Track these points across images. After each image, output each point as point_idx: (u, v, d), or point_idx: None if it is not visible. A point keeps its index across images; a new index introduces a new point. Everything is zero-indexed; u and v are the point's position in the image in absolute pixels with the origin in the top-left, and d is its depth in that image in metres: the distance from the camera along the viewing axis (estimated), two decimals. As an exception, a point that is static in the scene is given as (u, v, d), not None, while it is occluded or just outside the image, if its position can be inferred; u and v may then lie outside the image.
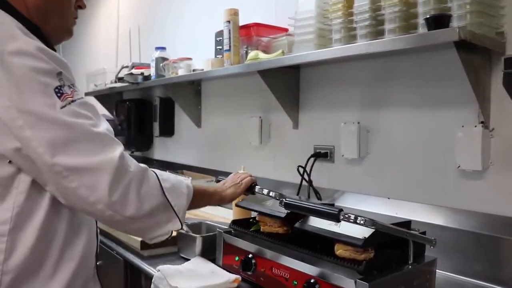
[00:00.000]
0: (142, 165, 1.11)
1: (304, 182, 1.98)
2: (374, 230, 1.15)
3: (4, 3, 1.04)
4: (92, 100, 3.95)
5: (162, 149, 3.31)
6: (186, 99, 2.79)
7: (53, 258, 1.06)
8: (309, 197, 1.93)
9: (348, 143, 1.84)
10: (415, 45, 1.34)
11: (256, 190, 1.40)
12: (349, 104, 1.88)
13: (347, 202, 1.87)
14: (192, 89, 2.79)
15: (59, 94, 0.96)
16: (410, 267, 1.22)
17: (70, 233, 1.09)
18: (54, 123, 0.95)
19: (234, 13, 2.02)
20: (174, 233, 1.71)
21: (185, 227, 1.71)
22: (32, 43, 0.97)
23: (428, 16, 1.31)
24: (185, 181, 1.21)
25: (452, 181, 1.54)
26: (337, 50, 1.61)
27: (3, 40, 0.95)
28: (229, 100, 2.60)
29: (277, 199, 1.32)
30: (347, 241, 1.19)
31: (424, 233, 1.31)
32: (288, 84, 2.07)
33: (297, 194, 1.97)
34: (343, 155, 1.87)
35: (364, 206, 1.80)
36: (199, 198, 1.25)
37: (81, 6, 1.21)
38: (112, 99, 3.50)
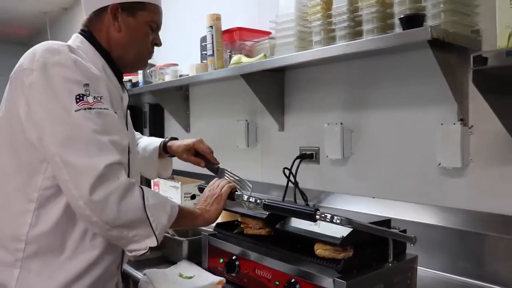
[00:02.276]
0: (132, 180, 1.16)
1: (290, 184, 1.99)
2: (352, 229, 1.16)
3: (86, 31, 1.30)
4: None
5: (153, 155, 3.31)
6: (175, 104, 2.81)
7: (74, 242, 1.17)
8: (295, 199, 1.94)
9: (332, 144, 1.85)
10: (390, 45, 1.36)
11: (236, 197, 1.40)
12: (332, 105, 1.90)
13: (332, 203, 1.89)
14: (180, 94, 2.81)
15: (78, 100, 1.10)
16: (390, 265, 1.23)
17: None
18: (63, 121, 1.09)
19: (217, 18, 2.04)
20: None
21: (171, 231, 1.72)
22: (71, 57, 1.14)
23: (402, 16, 1.33)
24: (171, 202, 1.24)
25: (433, 178, 1.56)
26: (316, 52, 1.62)
27: (51, 53, 1.13)
28: (216, 105, 2.61)
29: (256, 204, 1.33)
30: (326, 240, 1.20)
31: (404, 231, 1.33)
32: (272, 87, 2.09)
33: (284, 196, 1.98)
34: (327, 156, 1.88)
35: (349, 206, 1.81)
36: (183, 219, 1.28)
37: (157, 44, 1.38)
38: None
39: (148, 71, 2.65)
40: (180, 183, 2.48)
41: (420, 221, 1.57)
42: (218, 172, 1.55)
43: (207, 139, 2.67)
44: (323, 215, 1.12)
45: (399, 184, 1.67)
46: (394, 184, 1.68)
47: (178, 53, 2.79)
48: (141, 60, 1.38)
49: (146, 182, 2.99)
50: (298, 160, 1.98)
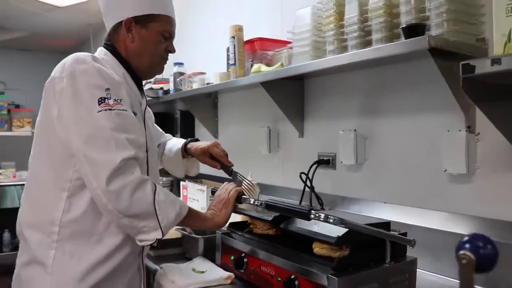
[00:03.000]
0: (146, 176, 1.30)
1: (308, 188, 2.05)
2: (347, 229, 1.22)
3: (108, 44, 1.46)
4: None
5: (184, 159, 3.45)
6: (204, 111, 2.93)
7: (101, 228, 1.31)
8: (310, 202, 1.99)
9: (346, 150, 1.90)
10: (391, 54, 1.40)
11: (242, 200, 1.49)
12: (346, 112, 1.95)
13: (346, 207, 1.93)
14: (209, 102, 2.93)
15: (100, 102, 1.25)
16: (386, 265, 1.28)
17: None
18: (86, 121, 1.25)
19: (239, 29, 2.14)
20: (179, 235, 1.84)
21: (188, 229, 1.83)
22: (95, 66, 1.29)
23: (403, 26, 1.38)
24: (182, 202, 1.37)
25: (440, 184, 1.58)
26: (325, 61, 1.70)
27: (78, 63, 1.29)
28: (241, 112, 2.71)
29: (259, 206, 1.41)
30: (322, 239, 1.26)
31: (404, 234, 1.37)
32: (291, 95, 2.16)
33: (300, 200, 2.04)
34: (342, 162, 1.94)
35: (362, 210, 1.86)
36: (191, 219, 1.39)
37: (171, 51, 1.53)
38: (138, 113, 3.69)
39: (178, 79, 2.79)
40: (206, 186, 2.58)
41: (427, 226, 1.59)
42: (232, 174, 1.64)
43: (233, 145, 2.80)
44: (317, 215, 1.19)
45: (408, 189, 1.70)
46: (404, 190, 1.71)
47: (206, 62, 2.92)
48: (156, 67, 1.51)
49: (176, 185, 3.13)
50: (315, 166, 2.04)
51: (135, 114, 1.37)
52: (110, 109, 1.26)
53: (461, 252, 0.62)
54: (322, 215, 1.18)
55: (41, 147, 1.35)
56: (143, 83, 1.59)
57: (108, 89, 1.28)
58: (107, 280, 1.31)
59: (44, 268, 1.28)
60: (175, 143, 1.80)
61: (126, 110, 1.30)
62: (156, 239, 1.27)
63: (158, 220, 1.26)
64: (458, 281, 1.44)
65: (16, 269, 1.37)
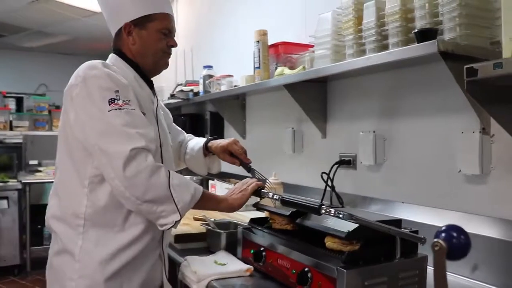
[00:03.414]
0: (159, 163, 1.39)
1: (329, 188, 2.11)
2: (358, 225, 1.28)
3: (117, 49, 1.57)
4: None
5: (214, 159, 3.56)
6: (232, 112, 3.03)
7: (122, 219, 1.43)
8: (331, 202, 2.05)
9: (366, 151, 1.96)
10: (404, 57, 1.46)
11: (262, 194, 1.57)
12: (366, 114, 2.01)
13: (366, 207, 1.98)
14: (237, 103, 3.03)
15: (110, 103, 1.37)
16: (396, 261, 1.33)
17: None
18: (99, 119, 1.36)
19: (263, 33, 2.23)
20: (204, 230, 1.93)
21: (212, 224, 1.92)
22: (105, 71, 1.40)
23: (415, 31, 1.43)
24: (196, 185, 1.46)
25: (455, 185, 1.61)
26: (343, 64, 1.77)
27: (89, 69, 1.42)
28: (268, 113, 2.80)
29: (277, 200, 1.49)
30: (334, 234, 1.33)
31: (416, 232, 1.41)
32: (314, 97, 2.23)
33: (322, 199, 2.10)
34: (361, 162, 1.99)
35: (380, 210, 1.90)
36: (206, 201, 1.49)
37: (173, 45, 1.60)
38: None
39: (207, 81, 2.90)
40: (233, 185, 2.68)
41: (442, 225, 1.62)
42: (250, 171, 1.72)
43: (259, 145, 2.89)
44: (327, 210, 1.26)
45: (425, 189, 1.74)
46: (421, 190, 1.75)
47: (235, 65, 3.02)
48: (160, 62, 1.59)
49: (205, 184, 3.24)
50: (336, 166, 2.10)
51: (144, 114, 1.47)
52: (119, 108, 1.37)
53: (435, 240, 0.68)
54: (332, 210, 1.25)
55: (63, 149, 1.48)
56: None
57: (117, 91, 1.39)
58: (130, 265, 1.43)
59: (72, 257, 1.42)
60: (196, 141, 1.90)
61: (134, 109, 1.41)
62: (176, 221, 1.37)
63: (175, 203, 1.36)
64: (466, 278, 1.49)
65: (49, 258, 1.51)
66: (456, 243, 0.67)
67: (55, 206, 1.49)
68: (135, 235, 1.44)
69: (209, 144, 1.83)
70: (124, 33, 1.54)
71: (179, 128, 1.98)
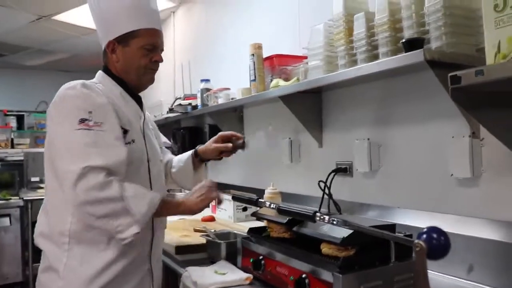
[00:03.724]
0: (111, 178, 1.36)
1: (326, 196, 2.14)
2: (352, 230, 1.32)
3: (105, 67, 1.61)
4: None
5: (214, 171, 3.60)
6: (231, 125, 3.07)
7: (106, 236, 1.43)
8: (329, 209, 2.09)
9: (361, 158, 1.99)
10: (392, 66, 1.50)
11: (259, 204, 1.60)
12: (360, 122, 2.05)
13: (363, 213, 2.02)
14: (235, 116, 3.07)
15: (80, 122, 1.38)
16: (391, 265, 1.36)
17: None
18: (66, 137, 1.39)
19: (258, 47, 2.28)
20: (204, 241, 1.96)
21: (212, 234, 1.96)
22: (82, 92, 1.43)
23: (403, 40, 1.47)
24: (152, 193, 1.44)
25: (448, 189, 1.65)
26: (336, 75, 1.82)
27: (68, 89, 1.45)
28: (265, 124, 2.84)
29: (273, 209, 1.52)
30: (329, 240, 1.37)
31: (410, 236, 1.44)
32: (310, 108, 2.27)
33: (320, 207, 2.13)
34: (357, 169, 2.03)
35: (377, 216, 1.93)
36: (166, 208, 1.46)
37: (158, 60, 1.61)
38: (169, 127, 3.88)
39: (204, 95, 2.95)
40: (231, 197, 2.71)
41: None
42: (244, 145, 1.79)
43: (258, 156, 2.94)
44: (321, 217, 1.29)
45: (419, 194, 1.77)
46: (415, 195, 1.79)
47: (232, 78, 3.07)
48: (144, 78, 1.60)
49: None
50: (332, 174, 2.14)
51: (127, 130, 1.49)
52: (88, 129, 1.38)
53: (416, 241, 0.72)
54: (326, 217, 1.28)
55: (48, 168, 1.49)
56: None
57: (91, 112, 1.40)
58: (115, 282, 1.45)
59: (57, 274, 1.43)
60: (183, 154, 1.90)
61: (105, 131, 1.41)
62: (136, 233, 1.35)
63: (130, 216, 1.34)
64: (463, 279, 1.52)
65: (38, 274, 1.53)
66: (436, 244, 0.70)
67: (43, 223, 1.51)
68: (120, 252, 1.45)
69: (199, 149, 1.84)
70: (107, 51, 1.57)
71: (166, 149, 1.99)
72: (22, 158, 5.60)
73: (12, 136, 5.81)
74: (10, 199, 4.85)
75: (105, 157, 1.37)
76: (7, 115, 6.68)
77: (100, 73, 1.61)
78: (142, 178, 1.53)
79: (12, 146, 5.74)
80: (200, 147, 1.86)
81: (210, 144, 1.82)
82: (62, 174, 1.37)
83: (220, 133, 1.83)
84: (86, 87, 1.46)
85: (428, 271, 1.48)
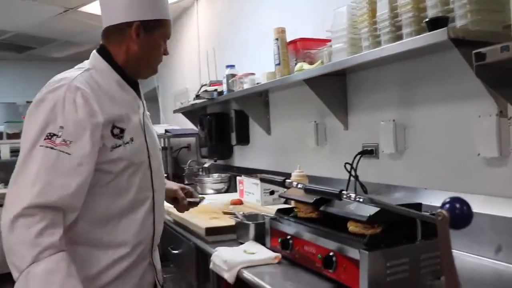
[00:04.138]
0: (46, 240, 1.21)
1: (352, 178, 2.17)
2: (379, 209, 1.34)
3: (103, 49, 1.48)
4: (180, 117, 4.47)
5: (240, 156, 3.66)
6: (256, 110, 3.11)
7: (106, 239, 1.42)
8: (355, 191, 2.11)
9: (387, 139, 2.00)
10: (416, 46, 1.51)
11: (287, 184, 1.65)
12: (386, 104, 2.05)
13: (390, 194, 2.03)
14: (261, 100, 3.10)
15: (46, 138, 1.27)
16: (417, 242, 1.38)
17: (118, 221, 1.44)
18: (27, 151, 1.28)
19: (281, 31, 2.29)
20: (233, 223, 2.02)
21: (240, 216, 2.01)
22: (63, 98, 1.31)
23: (426, 20, 1.47)
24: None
25: (475, 168, 1.65)
26: (358, 57, 1.83)
27: (51, 91, 1.34)
28: (291, 108, 2.86)
29: (300, 188, 1.56)
30: (356, 218, 1.39)
31: (433, 214, 1.46)
32: (335, 90, 2.28)
33: (346, 189, 2.16)
34: (383, 151, 2.04)
35: (404, 197, 1.95)
36: None
37: (165, 53, 1.55)
38: (196, 114, 3.95)
39: (230, 80, 2.99)
40: (260, 180, 2.76)
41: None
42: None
43: (284, 140, 2.97)
44: (348, 195, 1.32)
45: (446, 174, 1.78)
46: (442, 175, 1.79)
47: (257, 63, 3.10)
48: (151, 69, 1.55)
49: (234, 180, 3.32)
50: (359, 156, 2.16)
51: (123, 130, 1.41)
52: (52, 148, 1.26)
53: (438, 210, 0.74)
54: (353, 195, 1.31)
55: None
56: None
57: (62, 127, 1.29)
58: (119, 279, 1.44)
59: None
60: None
61: (69, 154, 1.28)
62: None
63: (21, 272, 1.19)
64: (491, 259, 1.52)
65: None
66: (459, 213, 0.73)
67: None
68: (122, 254, 1.44)
69: None
70: (131, 32, 1.43)
71: None
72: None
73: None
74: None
75: (57, 188, 1.26)
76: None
77: (95, 56, 1.48)
78: (143, 175, 1.50)
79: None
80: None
81: (172, 185, 1.85)
82: (8, 201, 1.25)
83: (184, 185, 1.90)
84: (72, 91, 1.33)
85: (455, 251, 1.51)
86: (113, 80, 1.46)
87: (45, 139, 1.27)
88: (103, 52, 1.48)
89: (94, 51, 1.49)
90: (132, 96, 1.52)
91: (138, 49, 1.46)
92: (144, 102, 1.60)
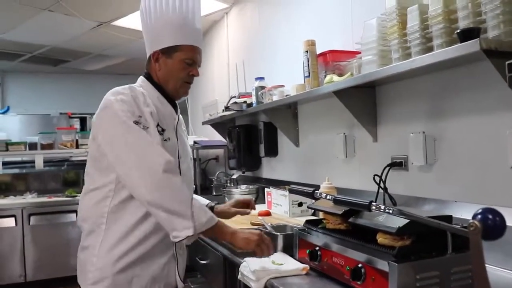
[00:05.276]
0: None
1: (381, 190, 2.15)
2: (408, 220, 1.33)
3: (146, 73, 1.81)
4: (208, 128, 4.53)
5: (268, 168, 3.68)
6: (285, 121, 3.12)
7: (134, 220, 1.64)
8: (384, 203, 2.09)
9: (416, 152, 1.98)
10: (447, 58, 1.50)
11: (315, 195, 1.66)
12: (415, 116, 2.04)
13: (419, 207, 2.01)
14: (290, 112, 3.12)
15: (135, 123, 1.59)
16: (448, 255, 1.36)
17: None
18: (128, 133, 1.58)
19: (311, 43, 2.31)
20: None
21: (269, 227, 2.02)
22: (131, 96, 1.63)
23: (457, 31, 1.47)
24: (212, 214, 1.61)
25: (508, 181, 1.61)
26: (388, 69, 1.82)
27: (116, 94, 1.65)
28: (320, 120, 2.87)
29: (329, 200, 1.56)
30: (385, 230, 1.39)
31: (465, 227, 1.43)
32: (364, 102, 2.28)
33: (375, 201, 2.14)
34: (412, 163, 2.02)
35: (434, 209, 1.92)
36: (218, 229, 1.61)
37: (194, 75, 1.79)
38: (225, 126, 3.99)
39: (259, 92, 3.02)
40: (288, 192, 2.77)
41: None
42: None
43: (312, 152, 2.97)
44: (377, 206, 1.32)
45: (477, 187, 1.74)
46: (473, 188, 1.76)
47: (286, 75, 3.12)
48: (180, 90, 1.79)
49: (262, 191, 3.33)
50: (387, 168, 2.14)
51: (164, 129, 1.69)
52: (143, 129, 1.59)
53: (471, 221, 0.73)
54: (382, 206, 1.30)
55: (90, 163, 1.71)
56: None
57: (140, 116, 1.61)
58: (140, 261, 1.64)
59: (93, 252, 1.65)
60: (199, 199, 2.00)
61: (151, 135, 1.61)
62: (188, 236, 1.50)
63: (193, 221, 1.50)
64: None
65: (78, 252, 1.74)
66: (491, 224, 0.72)
67: (83, 208, 1.73)
68: (144, 234, 1.64)
69: (215, 207, 1.99)
70: (152, 59, 1.76)
71: None
72: (86, 158, 5.89)
73: (77, 137, 6.14)
74: (76, 196, 5.14)
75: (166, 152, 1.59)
76: (72, 117, 7.08)
77: (141, 78, 1.80)
78: None
79: (77, 147, 6.06)
80: (217, 207, 1.99)
81: (229, 208, 2.00)
82: (137, 166, 1.54)
83: (237, 198, 2.07)
84: (134, 91, 1.66)
85: (488, 265, 1.48)
86: (155, 96, 1.75)
87: (134, 124, 1.57)
88: (147, 76, 1.80)
89: (142, 75, 1.81)
90: (169, 110, 1.79)
91: (161, 72, 1.76)
92: (181, 116, 1.88)
